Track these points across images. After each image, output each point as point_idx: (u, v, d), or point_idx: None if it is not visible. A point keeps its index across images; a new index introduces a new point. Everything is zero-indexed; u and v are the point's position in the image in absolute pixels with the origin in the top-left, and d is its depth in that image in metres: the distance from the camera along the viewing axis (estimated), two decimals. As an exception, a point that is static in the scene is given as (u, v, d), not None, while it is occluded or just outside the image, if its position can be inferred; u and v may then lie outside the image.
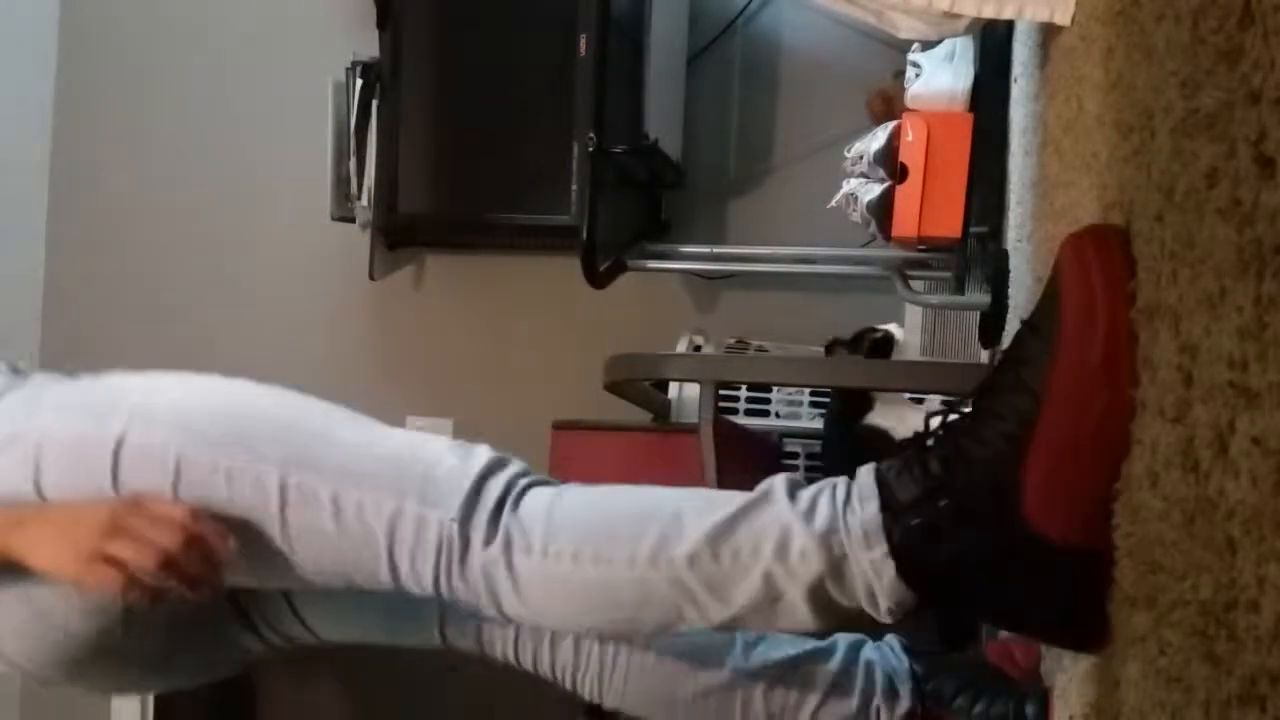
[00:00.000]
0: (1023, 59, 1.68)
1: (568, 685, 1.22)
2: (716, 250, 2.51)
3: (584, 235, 2.17)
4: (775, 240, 2.51)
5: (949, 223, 1.87)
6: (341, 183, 2.67)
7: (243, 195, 2.95)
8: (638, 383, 2.00)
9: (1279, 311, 0.45)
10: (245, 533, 0.99)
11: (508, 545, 0.97)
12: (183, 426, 1.00)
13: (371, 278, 2.79)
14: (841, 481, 0.94)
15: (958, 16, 1.15)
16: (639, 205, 2.58)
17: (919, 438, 0.93)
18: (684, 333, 2.42)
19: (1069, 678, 0.94)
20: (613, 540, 0.96)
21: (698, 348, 2.36)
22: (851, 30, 2.43)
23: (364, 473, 0.99)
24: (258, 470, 0.99)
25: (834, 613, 0.94)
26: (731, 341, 2.37)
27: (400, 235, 2.76)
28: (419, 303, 2.85)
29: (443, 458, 1.01)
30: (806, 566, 0.91)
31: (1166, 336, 0.64)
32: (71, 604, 1.03)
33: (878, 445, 1.54)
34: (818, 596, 0.92)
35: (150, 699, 2.94)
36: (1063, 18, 1.08)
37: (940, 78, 1.91)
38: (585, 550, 0.96)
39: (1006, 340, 1.28)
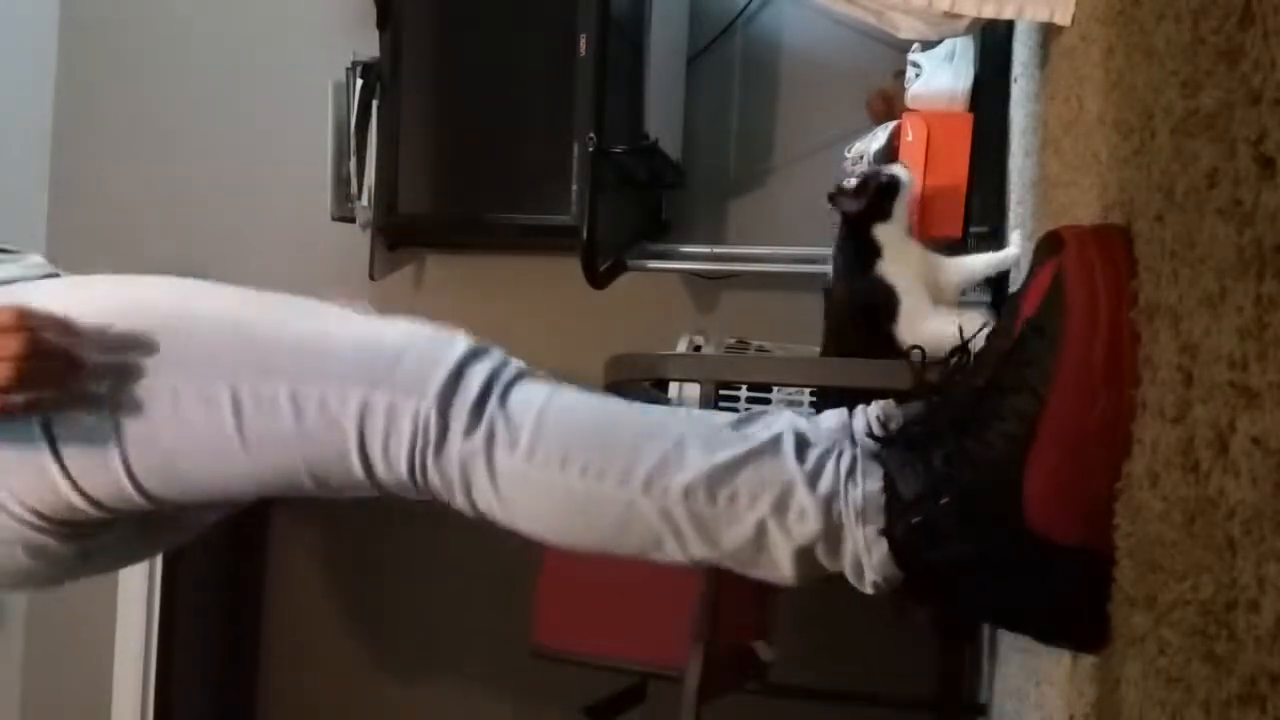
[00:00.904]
0: (1023, 59, 1.68)
1: None
2: (716, 250, 2.51)
3: (584, 235, 2.17)
4: (775, 240, 2.51)
5: (949, 223, 1.87)
6: (341, 183, 2.67)
7: (243, 195, 2.95)
8: (638, 383, 2.00)
9: (1279, 311, 0.45)
10: (207, 454, 0.94)
11: (490, 438, 0.92)
12: (128, 338, 0.94)
13: (372, 278, 2.79)
14: (847, 450, 0.93)
15: (958, 16, 1.15)
16: (639, 205, 2.58)
17: (925, 391, 0.93)
18: (684, 333, 2.42)
19: (1069, 678, 0.94)
20: (607, 454, 0.92)
21: (698, 348, 2.36)
22: (851, 30, 2.43)
23: (324, 365, 0.93)
24: (202, 385, 0.93)
25: (813, 573, 0.93)
26: (731, 341, 2.37)
27: (400, 235, 2.76)
28: (419, 303, 2.85)
29: (415, 341, 0.95)
30: (803, 527, 0.90)
31: (1167, 336, 0.64)
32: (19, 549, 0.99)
33: (884, 302, 1.50)
34: (805, 557, 0.91)
35: (151, 671, 2.94)
36: (1063, 18, 1.08)
37: (940, 78, 1.92)
38: (575, 459, 0.91)
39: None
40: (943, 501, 0.87)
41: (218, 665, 3.13)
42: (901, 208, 1.49)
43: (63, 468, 0.95)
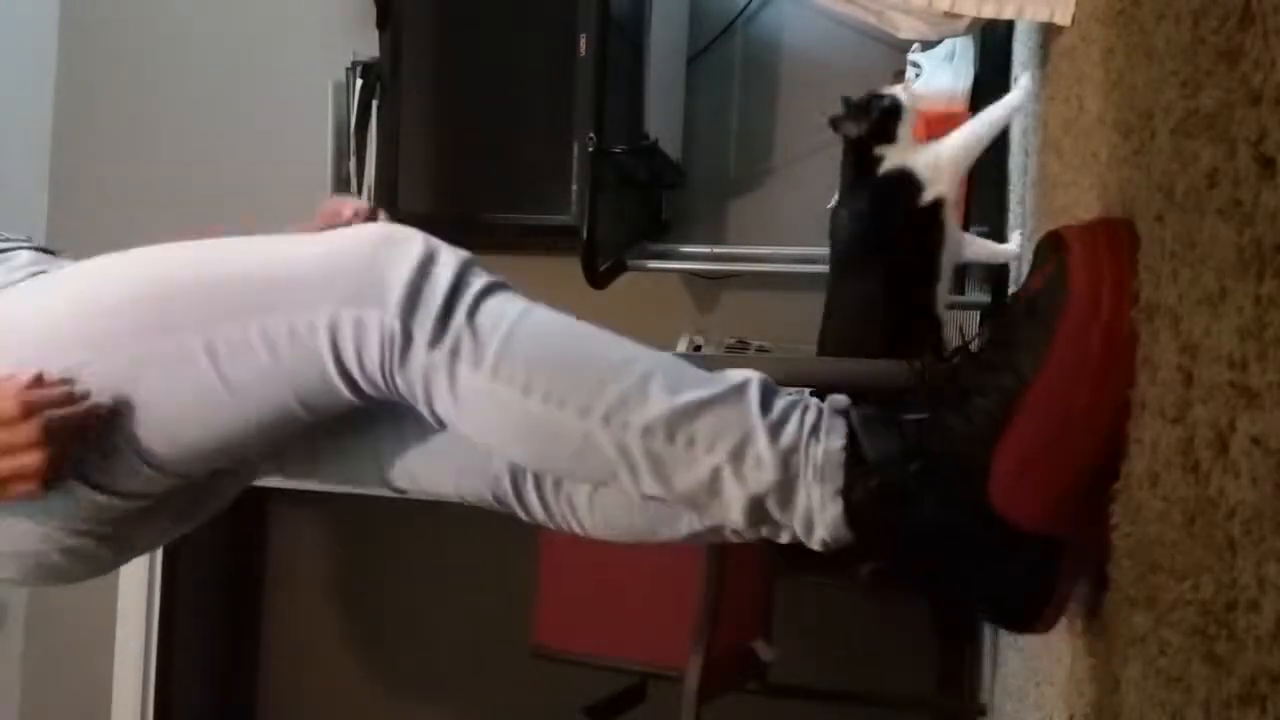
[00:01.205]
0: (1023, 59, 1.68)
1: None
2: (716, 250, 2.51)
3: (584, 235, 2.17)
4: (775, 240, 2.51)
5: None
6: (341, 183, 2.67)
7: (243, 195, 2.95)
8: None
9: (1279, 311, 0.45)
10: (200, 410, 0.94)
11: (455, 353, 0.91)
12: (86, 340, 0.94)
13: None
14: (813, 405, 0.93)
15: (958, 16, 1.15)
16: (639, 205, 2.58)
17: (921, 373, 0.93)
18: (684, 333, 2.42)
19: (1069, 678, 0.94)
20: (571, 383, 0.91)
21: (698, 348, 2.36)
22: (851, 30, 2.43)
23: (285, 295, 0.92)
24: (178, 349, 0.93)
25: (762, 524, 0.93)
26: (731, 341, 2.37)
27: (400, 235, 2.75)
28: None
29: (377, 248, 0.93)
30: (758, 475, 0.89)
31: (1166, 336, 0.64)
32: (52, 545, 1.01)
33: (901, 182, 1.45)
34: (756, 506, 0.91)
35: (152, 659, 2.94)
36: (1063, 18, 1.08)
37: (940, 78, 1.92)
38: (538, 384, 0.91)
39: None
40: (910, 468, 0.86)
41: (218, 665, 3.13)
42: (905, 130, 1.47)
43: (83, 478, 0.96)
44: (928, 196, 1.43)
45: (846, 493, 0.88)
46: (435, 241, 0.96)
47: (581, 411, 0.91)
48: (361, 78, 2.56)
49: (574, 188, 2.29)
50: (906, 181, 1.44)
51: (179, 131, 3.00)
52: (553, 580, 1.99)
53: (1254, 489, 0.46)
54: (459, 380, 0.91)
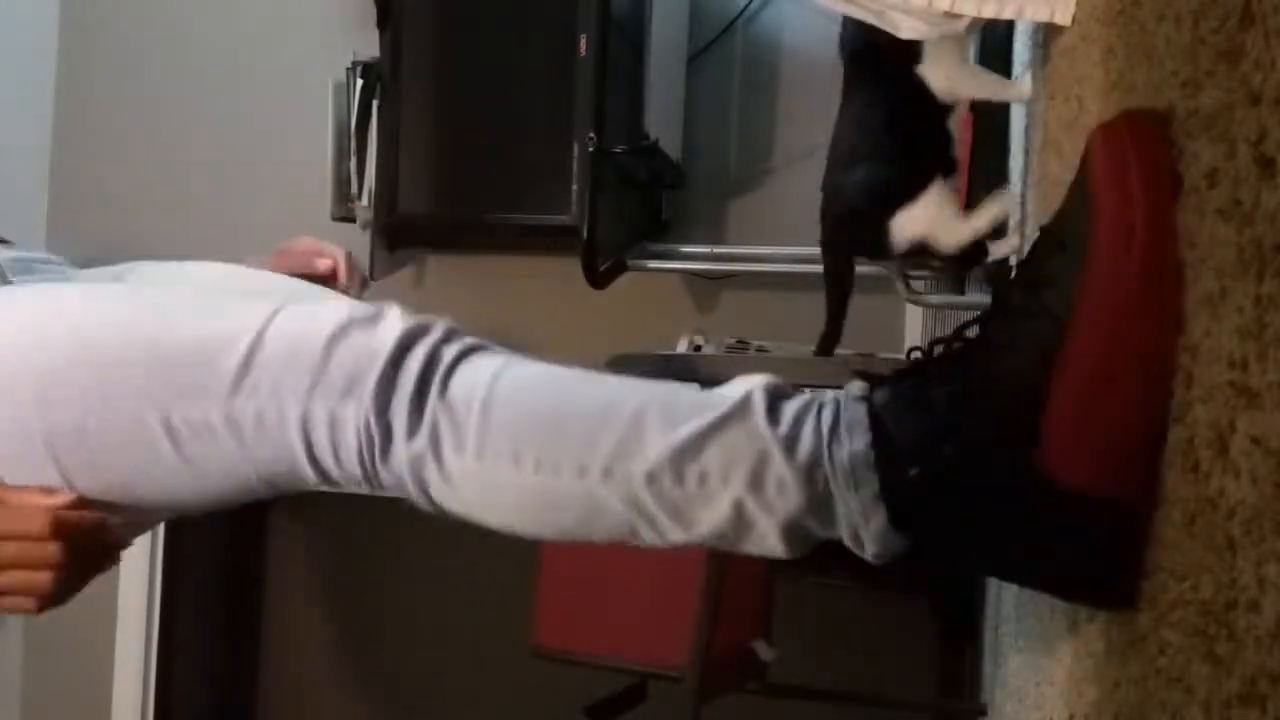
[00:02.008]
0: (1023, 59, 1.68)
1: None
2: (716, 250, 2.51)
3: (584, 235, 2.17)
4: (775, 240, 2.51)
5: (949, 223, 1.87)
6: (342, 183, 2.67)
7: (243, 195, 2.95)
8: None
9: (1279, 311, 0.45)
10: (155, 480, 0.89)
11: (435, 439, 0.84)
12: (40, 398, 0.88)
13: (372, 278, 2.79)
14: (829, 402, 0.83)
15: (958, 16, 1.15)
16: (639, 205, 2.58)
17: (923, 356, 0.82)
18: (684, 333, 2.42)
19: (1069, 678, 0.94)
20: (561, 444, 0.83)
21: (698, 348, 2.36)
22: (852, 30, 2.43)
23: (252, 377, 0.85)
24: (134, 418, 0.87)
25: (810, 544, 0.84)
26: (732, 341, 2.37)
27: (400, 236, 2.76)
28: (419, 303, 2.81)
29: (345, 334, 0.86)
30: (784, 500, 0.80)
31: (1167, 336, 0.64)
32: None
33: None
34: (794, 530, 0.82)
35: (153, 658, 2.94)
36: (1063, 18, 1.07)
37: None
38: (527, 453, 0.83)
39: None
40: (945, 450, 0.76)
41: (218, 665, 3.12)
42: None
43: None
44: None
45: (886, 494, 0.78)
46: (412, 323, 0.88)
47: (579, 471, 0.83)
48: (362, 78, 2.56)
49: (574, 188, 2.29)
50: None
51: (179, 131, 3.00)
52: (552, 580, 1.99)
53: (1254, 489, 0.46)
54: (447, 466, 0.85)
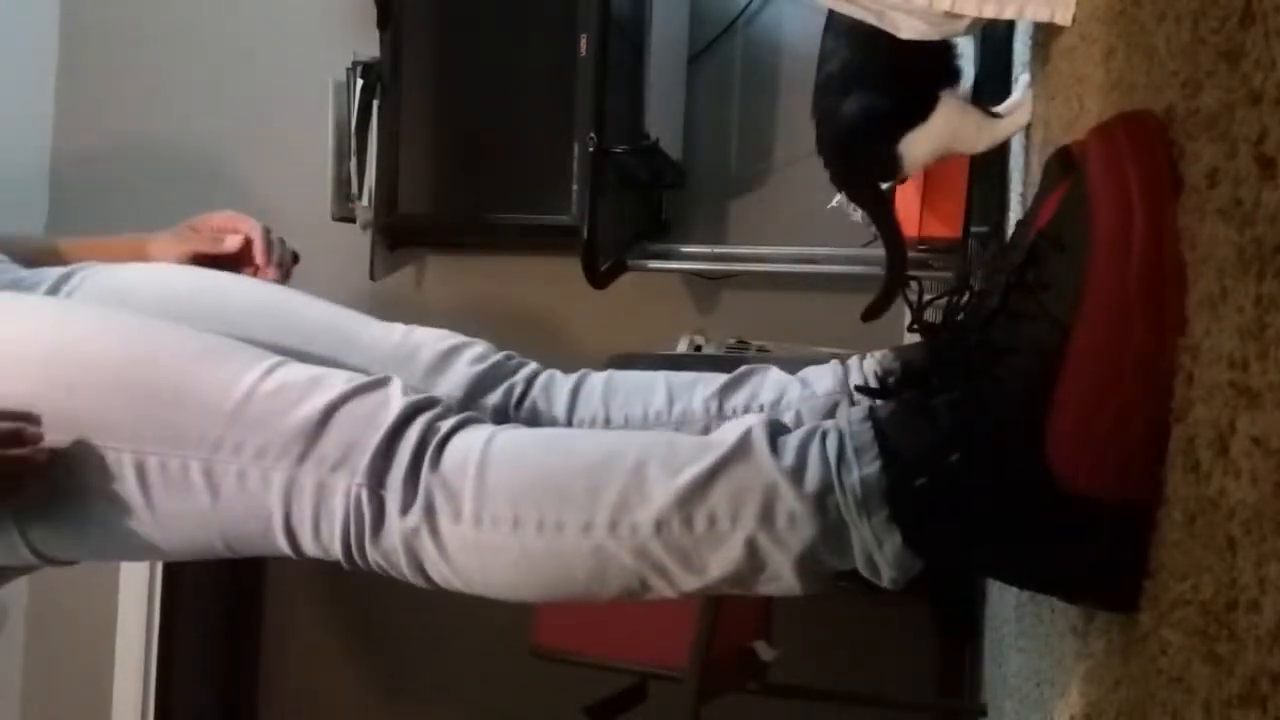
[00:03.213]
0: (1023, 59, 1.68)
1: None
2: (717, 250, 2.51)
3: (584, 235, 2.17)
4: (775, 240, 2.51)
5: (950, 222, 1.87)
6: (342, 183, 2.67)
7: (242, 195, 2.95)
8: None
9: (1279, 312, 0.45)
10: (109, 525, 0.85)
11: (430, 510, 0.81)
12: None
13: (372, 278, 2.79)
14: (831, 429, 0.81)
15: (958, 17, 1.15)
16: (639, 205, 2.58)
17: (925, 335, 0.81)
18: (684, 333, 2.42)
19: (1070, 678, 0.94)
20: (562, 503, 0.81)
21: (698, 348, 2.36)
22: (852, 30, 2.43)
23: (241, 435, 0.82)
24: (104, 452, 0.83)
25: (825, 578, 0.82)
26: (732, 341, 2.37)
27: (401, 235, 2.76)
28: (419, 303, 2.85)
29: (345, 405, 0.83)
30: (797, 534, 0.79)
31: (1167, 336, 0.64)
32: None
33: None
34: (808, 564, 0.80)
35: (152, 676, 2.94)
36: (1063, 18, 1.07)
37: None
38: (528, 515, 0.81)
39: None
40: (952, 458, 0.74)
41: (218, 665, 3.12)
42: None
43: None
44: None
45: (895, 509, 0.77)
46: (414, 397, 0.86)
47: (583, 529, 0.80)
48: (362, 78, 2.56)
49: (574, 188, 2.29)
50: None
51: (179, 131, 3.00)
52: (553, 580, 1.99)
53: (1254, 489, 0.46)
54: (443, 538, 0.82)
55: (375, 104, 2.56)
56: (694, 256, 2.50)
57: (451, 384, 1.06)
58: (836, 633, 2.41)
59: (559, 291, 2.63)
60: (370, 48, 2.57)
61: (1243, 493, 0.47)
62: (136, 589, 2.92)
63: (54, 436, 0.83)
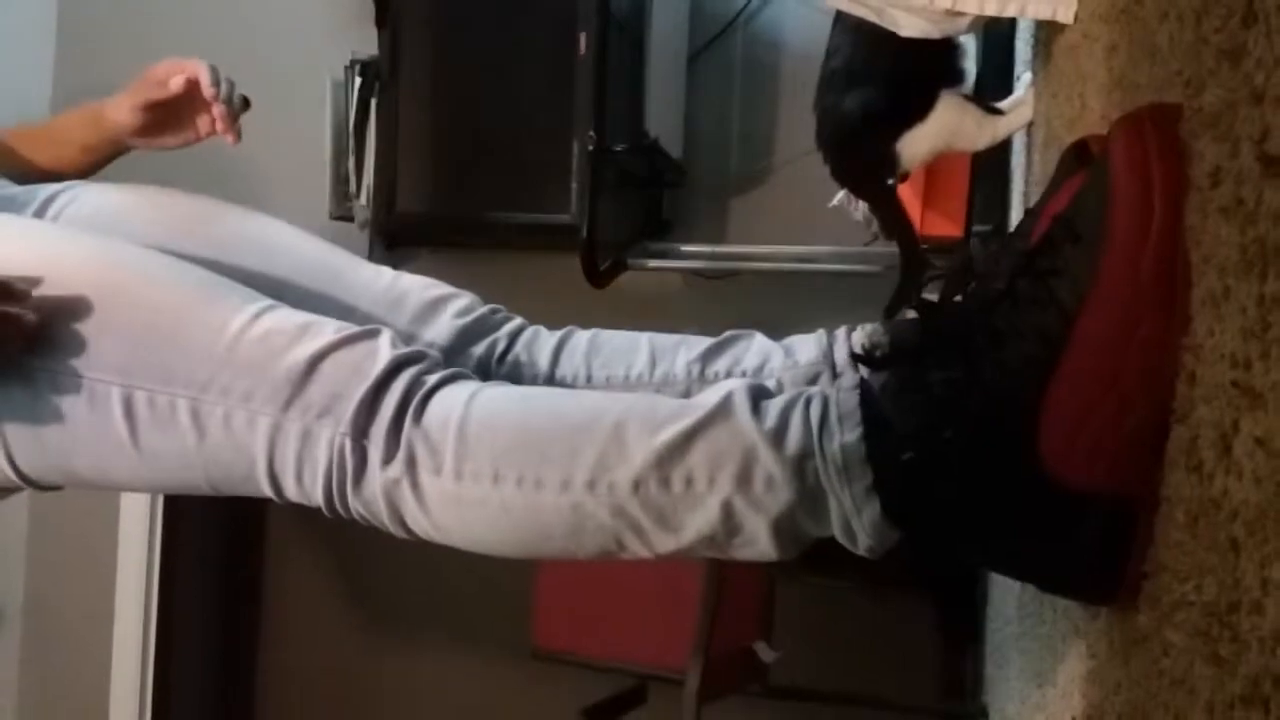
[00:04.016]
0: (1025, 57, 1.68)
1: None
2: (717, 249, 2.51)
3: (584, 234, 2.16)
4: (776, 239, 2.51)
5: (951, 221, 1.87)
6: (340, 181, 2.67)
7: (240, 194, 2.93)
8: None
9: (1283, 311, 0.44)
10: (96, 454, 0.85)
11: (411, 463, 0.82)
12: None
13: (371, 277, 2.79)
14: (816, 395, 0.81)
15: (960, 15, 1.15)
16: (639, 204, 2.58)
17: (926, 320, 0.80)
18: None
19: (1071, 679, 0.94)
20: (541, 459, 0.81)
21: (698, 347, 2.36)
22: (852, 29, 2.43)
23: (230, 378, 0.83)
24: (93, 380, 0.83)
25: (802, 543, 0.82)
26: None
27: (399, 234, 2.76)
28: (419, 302, 2.84)
29: (334, 353, 0.84)
30: (774, 497, 0.78)
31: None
32: None
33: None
34: (785, 528, 0.80)
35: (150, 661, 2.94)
36: (1065, 16, 1.07)
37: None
38: (508, 471, 0.81)
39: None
40: (944, 435, 0.74)
41: (216, 664, 3.12)
42: None
43: None
44: None
45: (880, 486, 0.76)
46: (402, 350, 0.86)
47: (562, 485, 0.81)
48: (360, 76, 2.55)
49: (574, 187, 2.29)
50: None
51: (179, 130, 2.99)
52: (552, 581, 1.99)
53: (1257, 490, 0.46)
54: (424, 490, 0.83)
55: (373, 102, 2.56)
56: (694, 256, 2.50)
57: (436, 333, 1.06)
58: (837, 634, 2.40)
59: (558, 290, 2.62)
60: (369, 46, 2.56)
61: (1245, 493, 0.47)
62: (134, 587, 2.92)
63: (38, 361, 0.83)
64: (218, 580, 3.13)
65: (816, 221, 2.25)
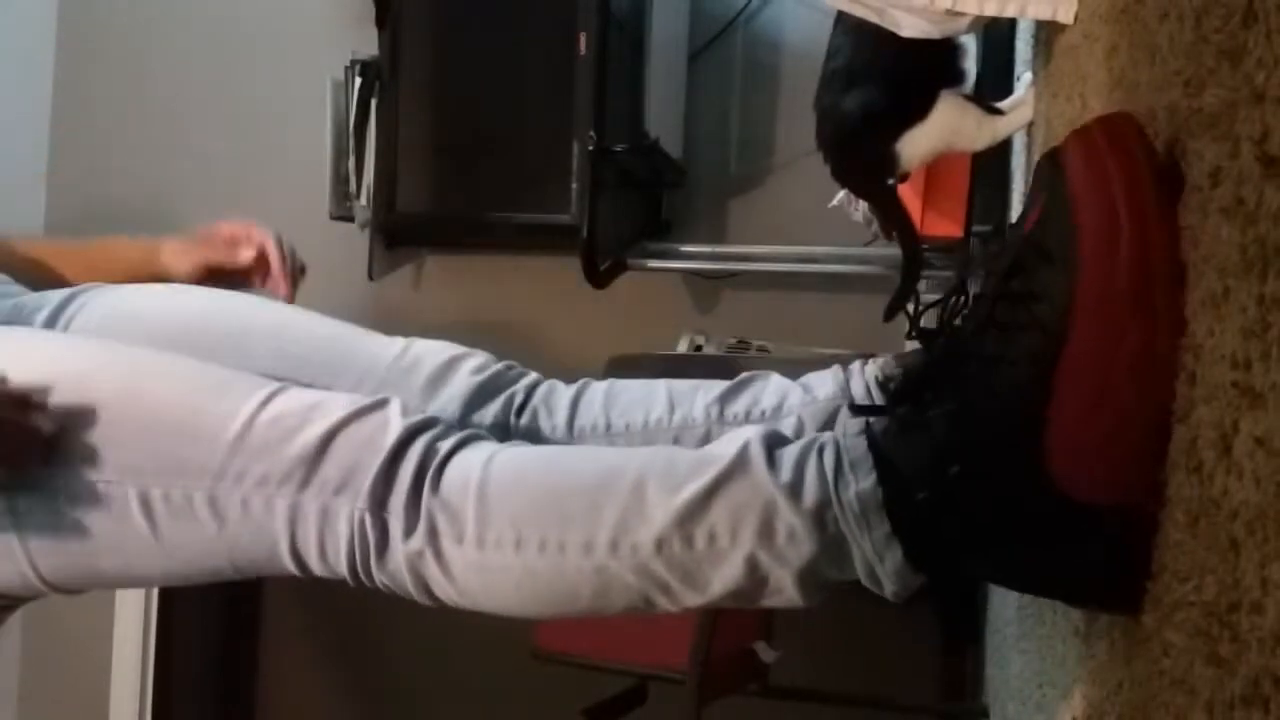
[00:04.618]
0: (1026, 57, 1.68)
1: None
2: (717, 250, 2.51)
3: (584, 235, 2.17)
4: (776, 240, 2.51)
5: (951, 221, 1.87)
6: (340, 182, 2.66)
7: (240, 194, 2.94)
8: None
9: (1283, 311, 0.44)
10: (119, 554, 0.86)
11: (433, 534, 0.82)
12: None
13: (370, 277, 2.79)
14: (829, 442, 0.82)
15: (960, 15, 1.15)
16: (639, 204, 2.58)
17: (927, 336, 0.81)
18: (684, 333, 2.42)
19: (1072, 680, 0.94)
20: (563, 523, 0.82)
21: (698, 348, 2.36)
22: (852, 29, 2.43)
23: (244, 463, 0.83)
24: (107, 484, 0.84)
25: (827, 590, 0.83)
26: (732, 341, 2.36)
27: (399, 235, 2.76)
28: (418, 303, 2.85)
29: (345, 428, 0.84)
30: (796, 549, 0.79)
31: (1169, 336, 0.64)
32: None
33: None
34: (809, 578, 0.81)
35: (149, 677, 2.94)
36: (1066, 16, 1.07)
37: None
38: (530, 536, 0.82)
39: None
40: (951, 470, 0.74)
41: (216, 666, 3.12)
42: None
43: None
44: None
45: (896, 524, 0.77)
46: (414, 419, 0.86)
47: (585, 548, 0.81)
48: (360, 76, 2.55)
49: (574, 187, 2.29)
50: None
51: (177, 129, 2.99)
52: (553, 580, 1.99)
53: (1257, 490, 0.46)
54: (447, 560, 0.83)
55: (374, 102, 2.55)
56: (694, 256, 2.50)
57: (452, 393, 1.05)
58: (837, 634, 2.40)
59: (558, 291, 2.62)
60: (369, 46, 2.56)
61: (1245, 493, 0.47)
62: (133, 591, 2.92)
63: (56, 471, 0.84)
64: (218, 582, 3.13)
65: (816, 221, 2.25)
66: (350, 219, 2.68)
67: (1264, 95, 0.47)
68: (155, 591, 2.94)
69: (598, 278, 2.24)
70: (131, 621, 2.94)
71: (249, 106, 2.95)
